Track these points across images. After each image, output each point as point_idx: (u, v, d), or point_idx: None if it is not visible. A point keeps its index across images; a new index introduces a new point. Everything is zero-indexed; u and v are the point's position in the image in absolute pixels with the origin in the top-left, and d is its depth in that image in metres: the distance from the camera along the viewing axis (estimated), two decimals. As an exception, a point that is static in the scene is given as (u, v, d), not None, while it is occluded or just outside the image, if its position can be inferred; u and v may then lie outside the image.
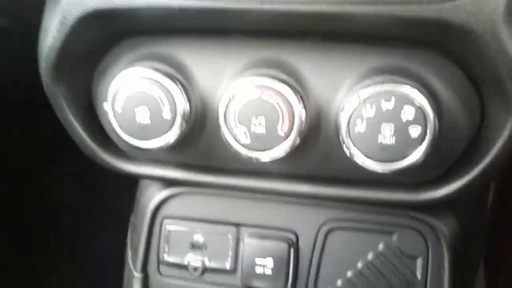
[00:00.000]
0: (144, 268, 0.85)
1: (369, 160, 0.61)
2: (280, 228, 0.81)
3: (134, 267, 0.86)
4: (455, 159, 0.66)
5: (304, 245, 0.81)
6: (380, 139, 0.60)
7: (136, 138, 0.66)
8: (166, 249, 0.84)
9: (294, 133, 0.62)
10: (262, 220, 0.82)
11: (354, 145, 0.61)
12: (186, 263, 0.83)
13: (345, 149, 0.62)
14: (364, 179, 0.69)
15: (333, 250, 0.81)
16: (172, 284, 0.85)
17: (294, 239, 0.81)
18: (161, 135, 0.66)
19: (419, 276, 0.79)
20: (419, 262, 0.79)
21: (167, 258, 0.84)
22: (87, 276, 1.53)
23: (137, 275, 0.85)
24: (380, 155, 0.60)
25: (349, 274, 0.80)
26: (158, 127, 0.65)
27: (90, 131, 0.74)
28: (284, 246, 0.80)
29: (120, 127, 0.66)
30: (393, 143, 0.60)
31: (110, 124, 0.67)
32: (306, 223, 0.80)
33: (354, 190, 0.71)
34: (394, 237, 0.79)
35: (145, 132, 0.65)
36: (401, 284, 0.79)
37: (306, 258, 0.81)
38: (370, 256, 0.80)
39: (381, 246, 0.79)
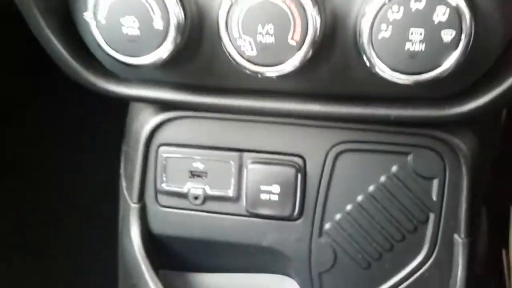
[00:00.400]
0: (141, 198, 0.80)
1: (393, 71, 0.54)
2: (286, 152, 0.75)
3: (130, 197, 0.80)
4: (486, 69, 0.59)
5: (312, 169, 0.75)
6: (408, 46, 0.52)
7: (124, 53, 0.58)
8: (164, 178, 0.78)
9: (307, 43, 0.54)
10: (267, 144, 0.75)
11: (377, 55, 0.53)
12: (186, 191, 0.77)
13: (365, 59, 0.55)
14: (382, 95, 0.63)
15: (343, 174, 0.75)
16: (171, 214, 0.79)
17: (301, 163, 0.75)
18: (152, 50, 0.57)
19: (434, 198, 0.75)
20: (435, 183, 0.74)
21: (165, 187, 0.78)
22: (79, 208, 1.51)
23: (134, 205, 0.80)
24: (407, 64, 0.53)
25: (360, 198, 0.76)
26: (148, 39, 0.56)
27: (71, 48, 0.65)
28: (290, 171, 0.75)
29: (104, 41, 0.57)
30: (423, 50, 0.52)
31: (93, 38, 0.58)
32: (314, 146, 0.74)
33: (372, 108, 0.64)
34: (409, 158, 0.74)
35: (134, 46, 0.57)
36: (415, 207, 0.75)
37: (314, 183, 0.76)
38: (382, 178, 0.75)
39: (394, 168, 0.74)
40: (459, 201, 0.74)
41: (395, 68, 0.54)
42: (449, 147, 0.72)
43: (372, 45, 0.53)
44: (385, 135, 0.72)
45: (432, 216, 0.75)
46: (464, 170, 0.72)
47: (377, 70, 0.54)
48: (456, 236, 0.75)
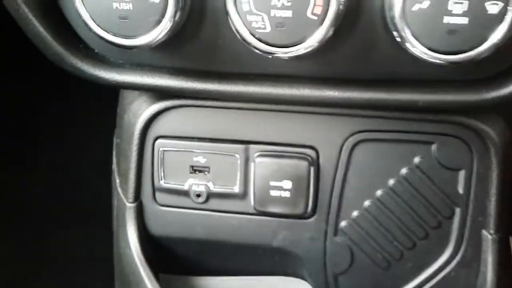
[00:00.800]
0: (137, 197, 0.72)
1: (429, 49, 0.46)
2: (297, 144, 0.68)
3: (125, 196, 0.73)
4: None
5: (326, 162, 0.69)
6: (447, 20, 0.45)
7: (115, 33, 0.51)
8: (162, 174, 0.70)
9: (330, 17, 0.46)
10: (275, 135, 0.69)
11: (410, 30, 0.46)
12: (187, 188, 0.70)
13: (395, 35, 0.47)
14: (410, 78, 0.55)
15: (360, 167, 0.69)
16: (171, 214, 0.72)
17: (314, 156, 0.68)
18: (148, 29, 0.50)
19: (460, 191, 0.69)
20: (462, 175, 0.68)
21: (163, 184, 0.71)
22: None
23: (130, 205, 0.72)
24: (445, 41, 0.46)
25: (379, 193, 0.69)
26: (143, 16, 0.49)
27: (54, 28, 0.58)
28: (302, 164, 0.68)
29: (92, 19, 0.50)
30: (465, 24, 0.44)
31: (79, 16, 0.50)
32: (328, 137, 0.68)
33: (397, 92, 0.57)
34: (433, 148, 0.67)
35: (126, 24, 0.50)
36: (439, 201, 0.69)
37: (328, 178, 0.69)
38: (403, 171, 0.68)
39: (417, 159, 0.68)
40: (488, 194, 0.68)
41: (431, 46, 0.47)
42: (477, 135, 0.65)
43: (405, 19, 0.46)
44: (407, 123, 0.66)
45: (458, 211, 0.70)
46: (493, 159, 0.66)
47: (410, 48, 0.47)
48: (484, 232, 0.69)
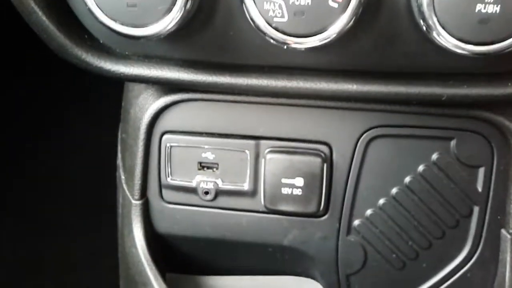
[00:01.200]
0: (144, 194, 0.70)
1: (458, 40, 0.44)
2: (309, 140, 0.66)
3: (131, 193, 0.70)
4: None
5: (340, 159, 0.66)
6: (479, 8, 0.42)
7: (122, 22, 0.48)
8: (169, 171, 0.68)
9: (352, 4, 0.43)
10: (287, 131, 0.66)
11: (439, 19, 0.44)
12: (194, 185, 0.68)
13: (422, 25, 0.45)
14: (434, 70, 0.53)
15: (375, 163, 0.66)
16: (178, 212, 0.70)
17: (327, 152, 0.65)
18: (157, 17, 0.47)
19: (480, 189, 0.66)
20: (481, 172, 0.65)
21: (170, 181, 0.68)
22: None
23: (136, 202, 0.70)
24: (477, 31, 0.43)
25: (394, 190, 0.67)
26: (152, 4, 0.46)
27: (58, 19, 0.55)
28: (315, 161, 0.65)
29: (97, 6, 0.47)
30: (497, 12, 0.42)
31: (84, 4, 0.48)
32: (342, 132, 0.65)
33: (420, 86, 0.54)
34: (452, 144, 0.65)
35: (134, 12, 0.48)
36: (457, 199, 0.67)
37: (342, 175, 0.67)
38: (420, 168, 0.66)
39: (434, 156, 0.65)
40: (508, 192, 0.65)
41: (461, 37, 0.44)
42: (498, 131, 0.63)
43: (434, 7, 0.43)
44: (424, 118, 0.63)
45: (476, 210, 0.67)
46: None
47: (438, 38, 0.45)
48: (503, 231, 0.67)
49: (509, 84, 0.52)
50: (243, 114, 0.66)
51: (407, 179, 0.66)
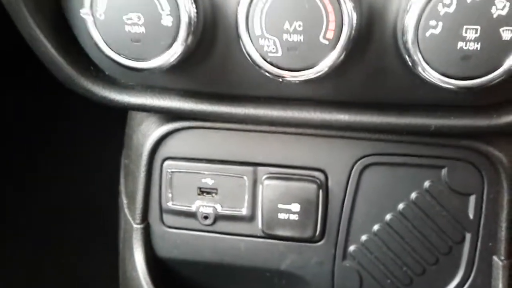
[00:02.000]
0: (145, 218, 0.71)
1: (442, 75, 0.46)
2: (305, 166, 0.67)
3: (132, 217, 0.72)
4: None
5: (335, 185, 0.68)
6: (461, 45, 0.44)
7: (127, 56, 0.51)
8: (170, 195, 0.70)
9: (342, 42, 0.46)
10: (284, 158, 0.68)
11: (423, 55, 0.46)
12: (194, 210, 0.69)
13: (408, 61, 0.47)
14: (422, 102, 0.55)
15: (369, 190, 0.68)
16: (179, 236, 0.72)
17: (323, 179, 0.67)
18: (160, 52, 0.50)
19: (471, 216, 0.67)
20: (473, 200, 0.67)
21: (171, 205, 0.70)
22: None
23: (137, 226, 0.72)
24: (459, 67, 0.46)
25: (388, 217, 0.69)
26: (155, 39, 0.49)
27: (65, 50, 0.57)
28: (311, 187, 0.67)
29: (104, 41, 0.50)
30: (479, 50, 0.44)
31: (90, 38, 0.51)
32: (337, 159, 0.67)
33: (409, 117, 0.56)
34: (443, 172, 0.66)
35: (138, 47, 0.50)
36: (449, 226, 0.68)
37: (337, 201, 0.68)
38: (413, 195, 0.67)
39: (427, 183, 0.67)
40: (499, 219, 0.67)
41: (444, 72, 0.46)
42: (488, 160, 0.64)
43: (418, 44, 0.46)
44: (417, 146, 0.65)
45: (468, 236, 0.68)
46: (504, 184, 0.65)
47: (423, 73, 0.47)
48: (495, 258, 0.68)
49: (494, 116, 0.55)
50: (242, 141, 0.68)
51: (401, 206, 0.68)
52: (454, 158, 0.65)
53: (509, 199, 0.66)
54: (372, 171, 0.67)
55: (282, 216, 0.68)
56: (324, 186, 0.68)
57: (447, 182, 0.66)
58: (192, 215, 0.70)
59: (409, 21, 0.45)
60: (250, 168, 0.68)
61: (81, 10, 0.51)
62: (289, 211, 0.68)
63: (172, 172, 0.69)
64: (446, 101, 0.54)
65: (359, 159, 0.67)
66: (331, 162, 0.67)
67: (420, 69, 0.47)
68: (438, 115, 0.55)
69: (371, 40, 0.50)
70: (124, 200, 0.76)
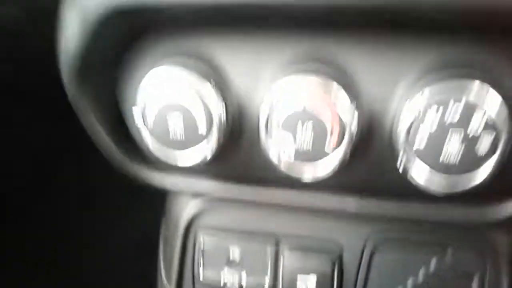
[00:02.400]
0: (180, 284, 0.81)
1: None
2: (323, 239, 0.75)
3: (169, 281, 0.81)
4: None
5: (349, 259, 0.74)
6: (442, 159, 0.53)
7: (168, 158, 0.61)
8: (201, 264, 0.79)
9: (342, 148, 0.56)
10: (304, 230, 0.75)
11: (411, 166, 0.54)
12: (222, 280, 0.78)
13: (399, 167, 0.56)
14: (421, 196, 0.63)
15: (381, 266, 0.74)
16: None
17: (338, 252, 0.74)
18: (196, 152, 0.60)
19: None
20: (476, 280, 0.72)
21: (202, 273, 0.79)
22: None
23: None
24: (441, 180, 0.54)
25: None
26: (192, 143, 0.60)
27: (119, 142, 0.68)
28: (327, 260, 0.74)
29: (151, 144, 0.61)
30: (457, 164, 0.53)
31: (141, 137, 0.62)
32: (351, 235, 0.74)
33: (409, 208, 0.64)
34: (449, 252, 0.72)
35: (179, 145, 0.60)
36: None
37: (351, 275, 0.75)
38: (421, 272, 0.73)
39: (433, 262, 0.73)
40: None
41: (427, 186, 0.54)
42: (489, 243, 0.70)
43: (407, 156, 0.54)
44: (423, 225, 0.71)
45: None
46: (503, 267, 0.70)
47: (412, 180, 0.55)
48: None
49: (485, 209, 0.62)
50: (266, 215, 0.76)
51: (409, 282, 0.74)
52: (457, 239, 0.71)
53: (508, 278, 0.71)
54: (384, 247, 0.73)
55: (300, 286, 0.75)
56: (339, 260, 0.74)
57: (451, 262, 0.72)
58: (221, 285, 0.78)
59: (400, 132, 0.54)
60: (273, 239, 0.75)
61: (133, 108, 0.62)
62: (307, 282, 0.75)
63: (204, 243, 0.77)
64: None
65: (371, 235, 0.73)
66: (346, 237, 0.73)
67: (410, 177, 0.55)
68: (435, 207, 0.63)
69: (371, 144, 0.58)
70: (161, 263, 0.84)
